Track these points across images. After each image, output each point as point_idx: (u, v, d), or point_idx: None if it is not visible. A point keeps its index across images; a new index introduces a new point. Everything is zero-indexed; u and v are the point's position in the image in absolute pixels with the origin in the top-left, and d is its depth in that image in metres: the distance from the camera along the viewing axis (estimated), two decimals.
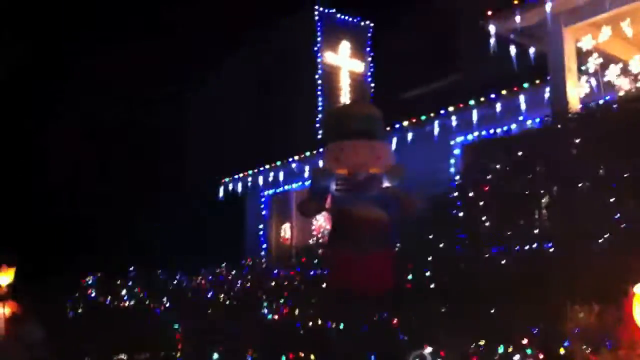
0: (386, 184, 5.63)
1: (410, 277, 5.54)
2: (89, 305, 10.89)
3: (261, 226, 13.46)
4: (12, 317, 10.72)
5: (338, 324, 4.32)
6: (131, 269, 11.56)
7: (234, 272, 9.37)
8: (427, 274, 5.46)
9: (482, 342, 3.68)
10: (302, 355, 4.18)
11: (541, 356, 3.33)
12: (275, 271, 8.96)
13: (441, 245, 5.80)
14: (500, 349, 3.53)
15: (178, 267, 10.99)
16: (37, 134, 17.72)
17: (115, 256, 13.99)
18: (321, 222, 11.40)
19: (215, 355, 4.85)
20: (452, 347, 3.66)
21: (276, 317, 4.99)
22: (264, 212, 13.56)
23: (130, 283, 11.27)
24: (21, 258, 11.79)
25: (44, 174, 17.61)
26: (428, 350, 3.66)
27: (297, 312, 4.97)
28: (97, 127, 17.98)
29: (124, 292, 11.14)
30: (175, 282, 10.62)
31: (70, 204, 17.42)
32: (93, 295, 11.32)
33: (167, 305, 9.14)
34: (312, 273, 7.62)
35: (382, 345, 3.92)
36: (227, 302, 6.40)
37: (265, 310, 5.17)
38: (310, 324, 4.51)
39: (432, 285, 5.10)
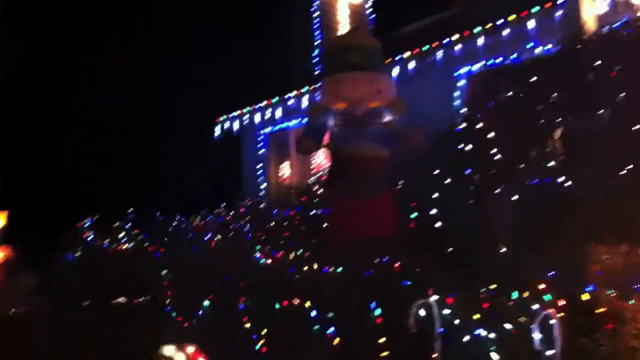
0: (387, 119, 5.24)
1: (413, 216, 5.22)
2: (86, 248, 10.69)
3: (260, 166, 13.14)
4: (6, 263, 10.53)
5: (336, 269, 4.01)
6: (130, 211, 11.36)
7: (232, 213, 9.11)
8: (432, 212, 5.13)
9: (493, 287, 3.34)
10: (297, 302, 3.89)
11: (561, 303, 3.00)
12: (275, 211, 8.68)
13: (447, 182, 5.45)
14: (514, 295, 3.20)
15: (177, 209, 10.79)
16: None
17: (113, 198, 13.77)
18: (321, 159, 11.05)
19: (206, 303, 4.59)
20: (461, 293, 3.33)
21: (269, 261, 4.68)
22: (262, 151, 13.21)
23: (128, 225, 11.09)
24: (15, 200, 11.53)
25: (41, 113, 17.21)
26: (434, 297, 3.32)
27: (292, 256, 4.66)
28: (93, 69, 17.51)
29: (122, 234, 10.97)
30: (174, 224, 10.41)
31: (65, 147, 17.12)
32: (90, 238, 11.08)
33: (165, 248, 8.91)
34: (312, 213, 7.32)
35: (383, 292, 3.61)
36: (223, 245, 6.11)
37: (258, 254, 4.86)
38: (306, 268, 4.20)
39: (437, 225, 4.77)
